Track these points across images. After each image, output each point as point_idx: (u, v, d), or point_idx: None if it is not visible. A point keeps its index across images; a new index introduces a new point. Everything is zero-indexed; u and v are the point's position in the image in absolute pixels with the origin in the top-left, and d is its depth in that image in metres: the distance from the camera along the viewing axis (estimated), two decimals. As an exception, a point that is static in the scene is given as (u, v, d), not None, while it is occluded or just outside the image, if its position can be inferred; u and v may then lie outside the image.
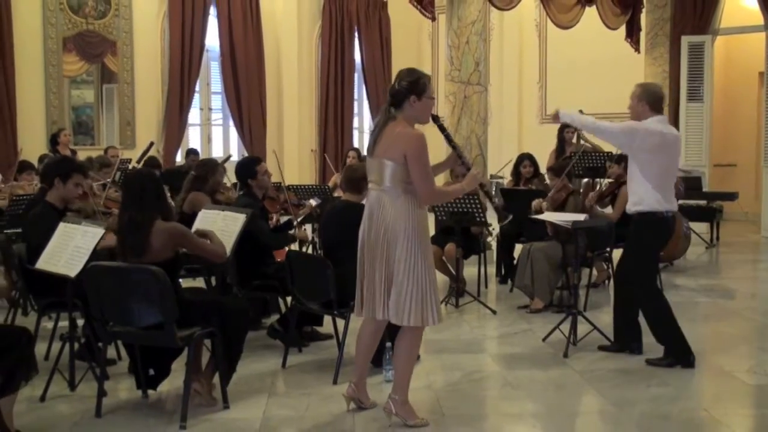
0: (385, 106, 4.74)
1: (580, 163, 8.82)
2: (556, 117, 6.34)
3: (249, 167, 6.83)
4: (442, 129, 4.94)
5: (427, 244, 4.73)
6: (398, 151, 4.57)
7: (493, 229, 9.06)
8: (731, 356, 6.42)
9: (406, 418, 4.78)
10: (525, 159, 9.38)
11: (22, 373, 4.43)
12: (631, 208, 6.08)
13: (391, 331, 5.02)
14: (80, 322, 5.67)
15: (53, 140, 11.29)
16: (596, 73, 15.86)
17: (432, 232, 8.52)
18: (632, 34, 14.52)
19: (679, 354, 6.03)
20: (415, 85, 4.64)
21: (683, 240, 9.93)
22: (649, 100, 6.06)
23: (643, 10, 14.47)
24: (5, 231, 7.53)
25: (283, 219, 7.55)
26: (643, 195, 5.98)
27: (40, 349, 5.50)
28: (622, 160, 8.15)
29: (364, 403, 5.07)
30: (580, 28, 13.66)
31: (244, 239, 5.73)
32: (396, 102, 4.67)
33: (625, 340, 6.32)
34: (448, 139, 4.97)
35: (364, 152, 5.36)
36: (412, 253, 4.60)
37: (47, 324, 6.32)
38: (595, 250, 7.83)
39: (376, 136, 4.70)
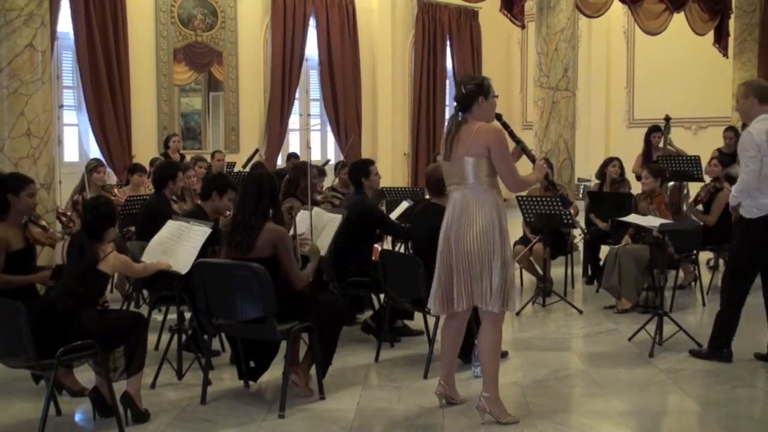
0: (454, 113, 4.90)
1: (669, 166, 8.82)
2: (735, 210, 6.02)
3: (363, 168, 7.20)
4: (505, 126, 5.00)
5: (508, 234, 4.85)
6: (481, 145, 4.71)
7: (583, 233, 9.15)
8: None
9: (498, 415, 4.82)
10: (615, 159, 9.47)
11: (142, 353, 4.84)
12: (746, 215, 5.84)
13: (471, 327, 5.12)
14: (188, 315, 5.94)
15: (167, 144, 11.79)
16: (684, 79, 15.68)
17: (520, 233, 8.71)
18: (720, 40, 14.36)
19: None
20: (481, 86, 4.82)
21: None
22: (756, 94, 5.84)
23: (732, 16, 14.27)
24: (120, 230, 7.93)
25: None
26: (759, 200, 5.78)
27: (150, 340, 5.70)
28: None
29: (455, 399, 5.15)
30: (668, 33, 13.58)
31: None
32: (464, 106, 4.82)
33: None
34: (512, 134, 5.03)
35: None
36: (500, 244, 4.73)
37: (157, 317, 6.57)
38: (682, 253, 7.79)
39: (451, 141, 4.81)
